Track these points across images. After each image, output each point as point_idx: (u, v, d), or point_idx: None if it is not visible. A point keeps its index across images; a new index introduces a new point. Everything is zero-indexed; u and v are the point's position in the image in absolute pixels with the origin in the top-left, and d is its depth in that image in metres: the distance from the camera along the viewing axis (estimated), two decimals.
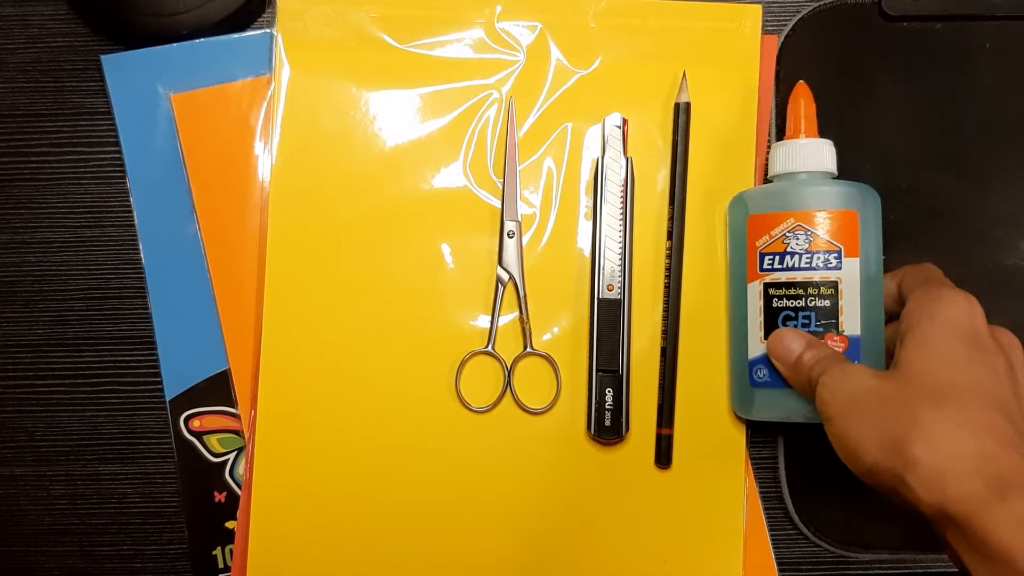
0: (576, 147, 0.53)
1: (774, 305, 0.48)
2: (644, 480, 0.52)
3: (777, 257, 0.48)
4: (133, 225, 0.53)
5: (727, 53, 0.53)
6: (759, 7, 0.53)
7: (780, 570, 0.53)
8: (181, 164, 0.53)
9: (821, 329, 0.47)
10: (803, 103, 0.50)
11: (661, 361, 0.52)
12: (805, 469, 0.52)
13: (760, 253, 0.48)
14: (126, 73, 0.53)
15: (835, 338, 0.47)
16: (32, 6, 0.54)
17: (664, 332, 0.52)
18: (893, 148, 0.53)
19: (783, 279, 0.48)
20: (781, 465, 0.52)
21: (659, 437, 0.52)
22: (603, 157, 0.52)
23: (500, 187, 0.53)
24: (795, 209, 0.48)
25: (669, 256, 0.52)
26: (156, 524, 0.54)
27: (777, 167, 0.50)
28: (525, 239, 0.53)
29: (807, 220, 0.47)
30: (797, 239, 0.47)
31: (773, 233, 0.48)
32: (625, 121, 0.53)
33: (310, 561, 0.51)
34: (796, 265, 0.47)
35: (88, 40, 0.54)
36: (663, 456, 0.51)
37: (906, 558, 0.53)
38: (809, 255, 0.47)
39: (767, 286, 0.48)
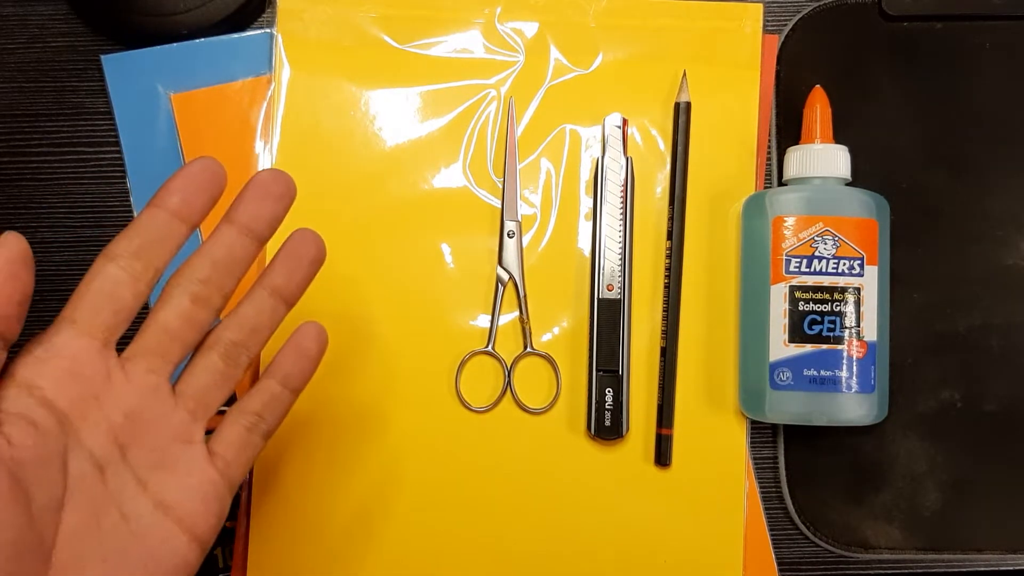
0: (576, 147, 0.53)
1: (800, 308, 0.48)
2: (644, 480, 0.52)
3: (804, 260, 0.48)
4: None
5: (727, 53, 0.53)
6: (760, 7, 0.53)
7: (780, 570, 0.53)
8: (181, 164, 0.53)
9: (845, 334, 0.47)
10: (819, 108, 0.50)
11: (661, 361, 0.52)
12: (805, 469, 0.52)
13: (786, 256, 0.48)
14: (126, 73, 0.53)
15: (857, 343, 0.47)
16: (32, 6, 0.54)
17: (664, 332, 0.52)
18: (893, 148, 0.53)
19: (810, 283, 0.48)
20: (781, 465, 0.52)
21: (659, 437, 0.52)
22: (603, 157, 0.52)
23: (500, 187, 0.53)
24: (825, 214, 0.48)
25: (669, 256, 0.52)
26: None
27: (792, 171, 0.50)
28: (525, 239, 0.53)
29: (836, 226, 0.48)
30: (825, 244, 0.48)
31: (801, 236, 0.48)
32: (625, 121, 0.53)
33: (310, 561, 0.51)
34: (823, 270, 0.48)
35: (88, 40, 0.54)
36: (663, 456, 0.51)
37: (906, 558, 0.53)
38: (836, 261, 0.48)
39: (793, 289, 0.48)
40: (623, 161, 0.52)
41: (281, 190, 0.39)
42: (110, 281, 0.36)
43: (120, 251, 0.36)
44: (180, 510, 0.37)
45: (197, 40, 0.53)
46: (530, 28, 0.53)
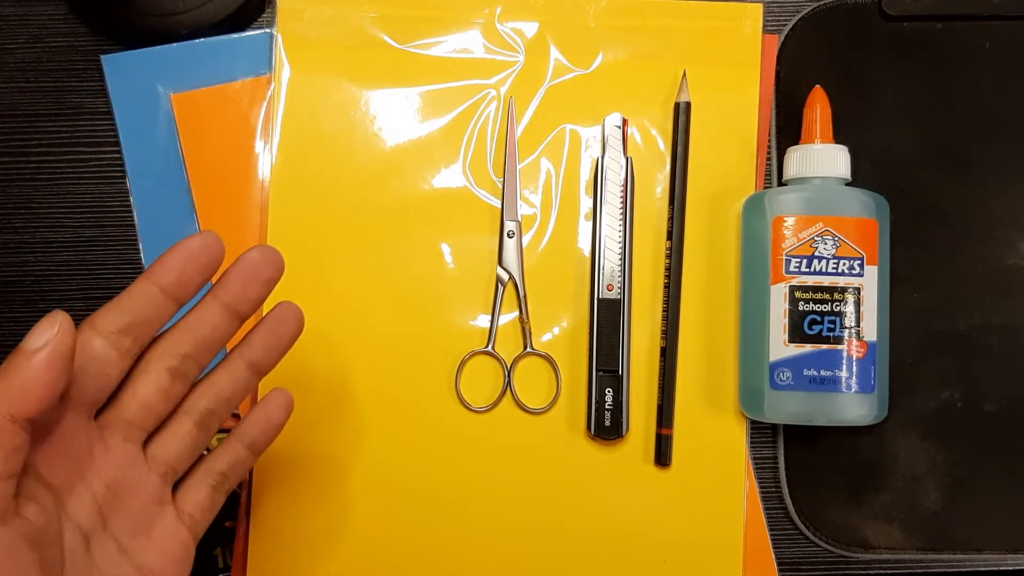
0: (576, 147, 0.53)
1: (800, 308, 0.48)
2: (644, 480, 0.52)
3: (804, 260, 0.48)
4: (133, 225, 0.53)
5: (727, 53, 0.53)
6: (760, 6, 0.53)
7: (780, 570, 0.53)
8: (181, 164, 0.53)
9: (845, 334, 0.47)
10: (819, 108, 0.50)
11: (661, 361, 0.52)
12: (805, 469, 0.52)
13: (786, 256, 0.48)
14: (126, 73, 0.53)
15: (856, 343, 0.47)
16: (32, 6, 0.54)
17: (664, 332, 0.52)
18: (893, 148, 0.53)
19: (810, 283, 0.48)
20: (781, 465, 0.52)
21: (659, 437, 0.52)
22: (603, 157, 0.52)
23: (500, 187, 0.53)
24: (825, 214, 0.48)
25: (669, 256, 0.52)
26: None
27: (792, 171, 0.50)
28: (525, 239, 0.53)
29: (836, 226, 0.48)
30: (825, 244, 0.48)
31: (801, 236, 0.48)
32: (625, 121, 0.53)
33: (310, 561, 0.51)
34: (823, 270, 0.48)
35: (88, 40, 0.54)
36: (663, 456, 0.51)
37: (906, 558, 0.53)
38: (836, 261, 0.48)
39: (793, 289, 0.48)
40: (623, 161, 0.52)
41: (270, 274, 0.39)
42: (98, 359, 0.36)
43: (109, 326, 0.36)
44: (158, 574, 0.38)
45: (197, 40, 0.53)
46: (530, 28, 0.53)
